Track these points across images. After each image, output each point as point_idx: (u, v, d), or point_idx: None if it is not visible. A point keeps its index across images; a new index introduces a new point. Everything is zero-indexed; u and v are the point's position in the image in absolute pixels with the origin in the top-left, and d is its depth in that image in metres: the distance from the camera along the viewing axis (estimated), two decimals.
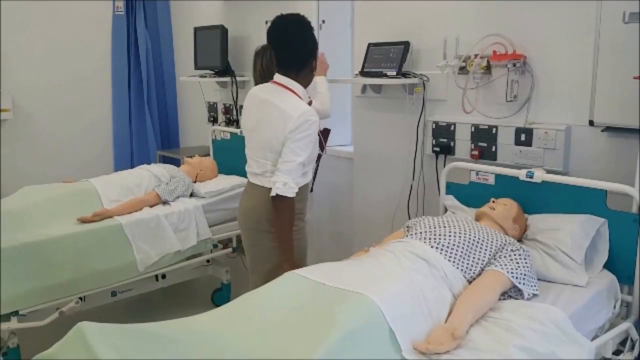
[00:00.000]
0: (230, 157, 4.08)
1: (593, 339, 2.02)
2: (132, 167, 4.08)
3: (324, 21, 3.78)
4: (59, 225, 2.91)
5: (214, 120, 4.72)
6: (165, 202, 3.31)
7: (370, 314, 1.64)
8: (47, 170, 4.59)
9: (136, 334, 1.54)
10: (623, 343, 2.18)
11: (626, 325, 2.12)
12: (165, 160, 4.71)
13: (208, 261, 3.63)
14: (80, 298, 2.93)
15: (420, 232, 2.17)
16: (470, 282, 2.01)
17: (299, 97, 2.38)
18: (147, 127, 5.04)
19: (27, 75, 4.59)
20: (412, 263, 1.94)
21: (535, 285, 2.06)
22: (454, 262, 2.02)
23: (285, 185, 2.27)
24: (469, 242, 2.10)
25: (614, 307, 2.18)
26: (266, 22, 4.04)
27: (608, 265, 2.26)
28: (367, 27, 3.42)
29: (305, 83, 2.40)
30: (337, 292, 1.76)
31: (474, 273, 2.03)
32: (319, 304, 1.71)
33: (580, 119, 2.55)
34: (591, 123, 2.51)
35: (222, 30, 4.17)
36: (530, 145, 2.69)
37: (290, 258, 2.37)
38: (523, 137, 2.71)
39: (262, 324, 1.68)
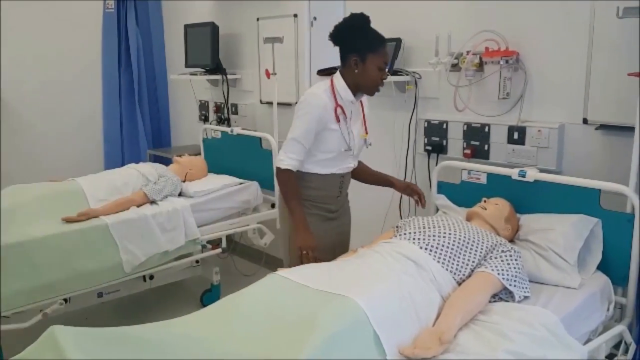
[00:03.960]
0: (221, 156, 4.03)
1: (586, 342, 1.98)
2: (123, 166, 4.00)
3: (315, 18, 3.72)
4: (43, 225, 2.84)
5: (205, 118, 4.66)
6: (153, 202, 3.24)
7: (353, 317, 1.59)
8: (36, 170, 4.51)
9: (111, 337, 1.49)
10: (617, 346, 2.13)
11: (620, 328, 2.07)
12: (157, 159, 4.65)
13: (197, 262, 3.57)
14: (66, 299, 2.87)
15: (409, 233, 2.11)
16: (459, 284, 1.96)
17: (333, 87, 2.39)
18: (138, 126, 4.95)
19: (16, 73, 4.51)
20: (399, 264, 1.89)
21: (526, 287, 2.01)
22: (443, 263, 1.97)
23: (279, 157, 2.42)
24: (458, 242, 2.04)
25: (608, 309, 2.13)
26: (257, 19, 4.02)
27: (602, 267, 2.22)
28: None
29: (348, 79, 2.39)
30: (321, 294, 1.71)
31: (463, 275, 1.98)
32: (302, 307, 1.66)
33: (573, 116, 2.51)
34: (585, 121, 2.47)
35: (213, 28, 4.11)
36: (523, 143, 2.64)
37: (295, 231, 2.42)
38: (516, 136, 2.67)
39: (245, 327, 1.63)
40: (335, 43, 2.39)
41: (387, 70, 2.39)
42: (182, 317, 1.73)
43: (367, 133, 2.56)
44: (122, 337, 1.49)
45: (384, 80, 2.40)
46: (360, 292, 1.68)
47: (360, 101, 2.52)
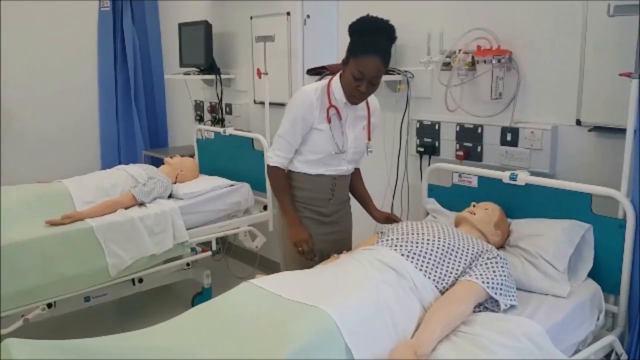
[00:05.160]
0: (214, 157, 3.97)
1: (574, 353, 1.90)
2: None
3: (308, 16, 3.66)
4: (26, 228, 2.80)
5: (200, 119, 4.60)
6: (141, 204, 3.19)
7: (323, 328, 1.53)
8: (31, 171, 4.47)
9: (70, 350, 1.44)
10: (609, 355, 2.05)
11: (610, 338, 1.98)
12: (152, 160, 4.60)
13: (188, 264, 3.51)
14: (50, 304, 2.82)
15: (392, 239, 2.04)
16: (442, 293, 1.88)
17: (329, 86, 2.35)
18: (134, 126, 4.89)
19: (10, 73, 4.47)
20: (379, 272, 1.82)
21: (513, 296, 1.93)
22: (425, 271, 1.90)
23: (268, 154, 2.45)
24: (442, 249, 1.97)
25: (598, 318, 2.05)
26: (251, 18, 3.95)
27: (592, 274, 2.13)
28: (351, 20, 3.29)
29: (342, 79, 2.32)
30: (292, 305, 1.65)
31: (447, 283, 1.91)
32: (273, 318, 1.60)
33: (567, 118, 2.43)
34: (578, 122, 2.39)
35: (206, 26, 4.05)
36: (516, 145, 2.57)
37: (289, 227, 2.40)
38: (509, 137, 2.59)
39: (213, 338, 1.58)
40: None
41: (366, 83, 2.21)
42: (150, 328, 1.67)
43: (369, 140, 2.47)
44: (80, 350, 1.44)
45: (362, 92, 2.24)
46: (333, 302, 1.61)
47: (367, 105, 2.44)
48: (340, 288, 1.73)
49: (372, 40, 2.19)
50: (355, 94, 2.26)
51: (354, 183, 2.61)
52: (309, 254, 2.35)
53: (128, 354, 1.46)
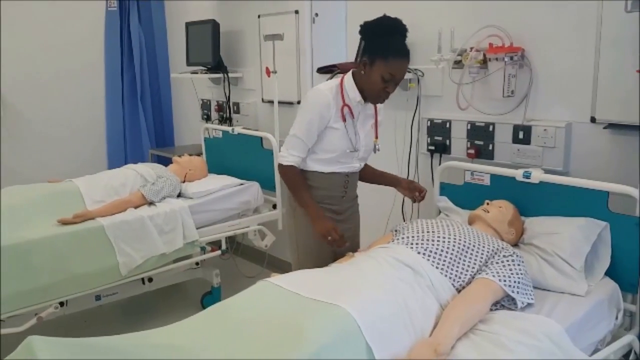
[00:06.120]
0: (222, 156, 3.97)
1: (593, 352, 1.89)
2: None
3: (317, 14, 3.65)
4: (38, 227, 2.79)
5: (207, 117, 4.59)
6: (150, 203, 3.19)
7: (344, 327, 1.52)
8: (38, 170, 4.47)
9: (90, 348, 1.44)
10: (627, 355, 2.04)
11: (629, 337, 1.97)
12: (159, 159, 4.59)
13: (197, 264, 3.51)
14: (62, 303, 2.83)
15: (407, 237, 2.03)
16: (459, 291, 1.88)
17: (342, 85, 2.32)
18: (140, 125, 4.90)
19: (17, 72, 4.46)
20: (395, 270, 1.81)
21: (530, 294, 1.92)
22: (441, 269, 1.89)
23: (281, 154, 2.39)
24: (458, 247, 1.96)
25: (616, 317, 2.03)
26: (258, 16, 3.95)
27: (610, 272, 2.12)
28: (361, 19, 3.27)
29: (357, 79, 2.31)
30: (312, 303, 1.64)
31: (463, 281, 1.90)
32: (292, 317, 1.59)
33: (581, 115, 2.41)
34: (593, 120, 2.37)
35: (214, 25, 4.04)
36: (528, 143, 2.55)
37: (313, 221, 2.32)
38: (521, 135, 2.57)
39: (230, 337, 1.57)
40: (362, 38, 2.31)
41: (393, 85, 2.24)
42: (168, 327, 1.67)
43: (377, 138, 2.46)
44: (100, 348, 1.43)
45: (389, 93, 2.26)
46: (352, 300, 1.61)
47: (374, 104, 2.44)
48: (359, 286, 1.72)
49: (401, 43, 2.23)
50: (383, 95, 2.27)
51: (366, 170, 2.60)
52: (340, 241, 2.30)
53: (147, 353, 1.45)
